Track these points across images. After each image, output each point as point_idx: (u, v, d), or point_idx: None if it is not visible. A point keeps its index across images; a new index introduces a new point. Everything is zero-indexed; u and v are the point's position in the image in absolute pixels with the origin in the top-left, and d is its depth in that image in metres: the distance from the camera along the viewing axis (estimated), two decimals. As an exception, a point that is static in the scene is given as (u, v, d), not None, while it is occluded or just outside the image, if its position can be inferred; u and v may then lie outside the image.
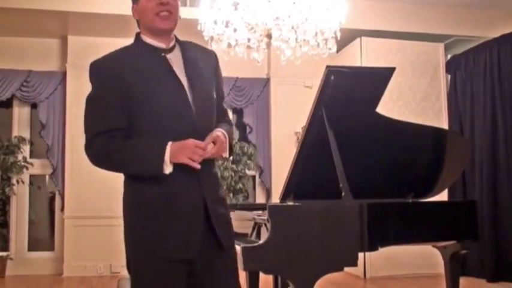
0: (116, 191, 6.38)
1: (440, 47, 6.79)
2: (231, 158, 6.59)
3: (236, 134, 7.03)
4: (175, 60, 2.25)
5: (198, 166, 2.11)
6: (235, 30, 4.35)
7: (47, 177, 6.87)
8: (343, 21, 4.46)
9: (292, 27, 4.30)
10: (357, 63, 6.47)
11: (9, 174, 6.43)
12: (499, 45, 6.25)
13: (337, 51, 4.78)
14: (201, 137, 2.15)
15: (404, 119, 3.45)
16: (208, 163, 2.20)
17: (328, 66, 2.86)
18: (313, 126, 3.00)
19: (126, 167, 2.25)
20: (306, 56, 4.54)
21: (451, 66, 6.96)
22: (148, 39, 2.26)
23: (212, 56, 2.40)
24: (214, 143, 2.16)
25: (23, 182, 6.50)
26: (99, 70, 2.24)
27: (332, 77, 2.86)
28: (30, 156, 6.75)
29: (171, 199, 2.16)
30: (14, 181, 6.45)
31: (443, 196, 4.82)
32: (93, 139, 2.19)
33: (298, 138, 6.64)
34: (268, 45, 4.50)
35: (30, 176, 6.74)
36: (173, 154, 2.11)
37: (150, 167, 2.14)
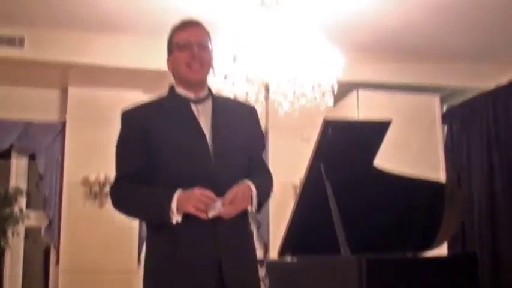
0: (112, 245, 6.34)
1: (436, 98, 6.84)
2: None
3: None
4: (204, 110, 2.29)
5: (205, 216, 2.08)
6: (233, 83, 4.39)
7: (43, 229, 6.80)
8: (339, 75, 4.52)
9: (290, 81, 4.34)
10: (354, 115, 6.50)
11: (4, 226, 6.37)
12: (495, 97, 6.30)
13: (334, 103, 4.81)
14: (221, 188, 2.14)
15: (401, 171, 3.45)
16: (233, 218, 2.16)
17: (325, 119, 2.89)
18: (311, 179, 3.00)
19: (136, 213, 2.32)
20: (304, 108, 4.57)
21: (447, 117, 7.00)
22: (179, 90, 2.34)
23: (249, 111, 2.45)
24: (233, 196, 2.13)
25: (18, 235, 6.43)
26: (126, 117, 2.36)
27: (329, 130, 2.88)
28: (27, 208, 6.70)
29: (180, 258, 2.13)
30: (9, 233, 6.38)
31: (443, 249, 4.78)
32: (114, 183, 2.31)
33: (296, 191, 6.61)
34: (266, 98, 4.54)
35: (26, 228, 6.67)
36: (180, 202, 2.09)
37: (157, 215, 2.15)
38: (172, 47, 2.36)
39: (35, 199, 6.74)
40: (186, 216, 2.11)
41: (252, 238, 2.35)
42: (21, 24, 5.63)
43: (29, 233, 6.78)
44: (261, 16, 4.55)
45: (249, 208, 2.24)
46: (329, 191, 2.93)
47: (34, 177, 6.67)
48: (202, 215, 2.09)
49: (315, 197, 3.00)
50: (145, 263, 2.31)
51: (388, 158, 6.11)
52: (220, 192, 2.12)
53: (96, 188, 6.41)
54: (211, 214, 2.09)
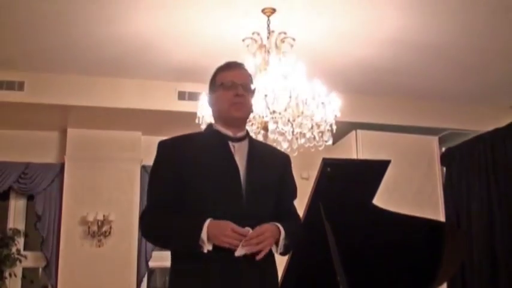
0: (110, 284, 6.29)
1: (434, 140, 6.88)
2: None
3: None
4: (240, 149, 2.34)
5: (234, 248, 2.10)
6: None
7: (40, 270, 6.75)
8: (338, 115, 4.55)
9: (289, 120, 4.37)
10: (353, 155, 6.53)
11: (2, 268, 6.32)
12: (493, 139, 6.34)
13: (333, 143, 4.83)
14: (250, 219, 2.17)
15: (400, 211, 3.45)
16: (259, 260, 2.16)
17: (324, 159, 2.90)
18: (310, 218, 2.99)
19: (167, 243, 2.31)
20: (303, 148, 4.59)
21: (446, 158, 7.03)
22: (218, 127, 2.38)
23: (283, 157, 2.52)
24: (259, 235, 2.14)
25: (15, 275, 6.37)
26: (162, 147, 2.36)
27: (328, 169, 2.89)
28: (24, 249, 6.66)
29: None
30: (6, 274, 6.33)
31: (443, 290, 4.74)
32: (145, 212, 2.32)
33: (295, 230, 6.58)
34: (265, 137, 4.56)
35: (23, 269, 6.62)
36: (211, 233, 2.11)
37: (188, 245, 2.16)
38: (216, 85, 2.41)
39: (32, 240, 6.71)
40: (214, 248, 2.13)
41: (277, 279, 2.35)
42: (21, 68, 5.71)
43: (27, 274, 6.72)
44: (261, 58, 4.61)
45: (274, 250, 2.25)
46: (328, 231, 2.92)
47: (32, 218, 6.65)
48: (233, 248, 2.11)
49: (314, 237, 2.99)
50: None
51: (387, 198, 6.16)
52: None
53: (95, 228, 6.40)
54: (239, 253, 2.11)
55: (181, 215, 2.21)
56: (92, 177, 6.62)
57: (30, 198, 6.73)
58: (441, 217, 6.55)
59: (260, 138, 4.54)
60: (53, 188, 6.63)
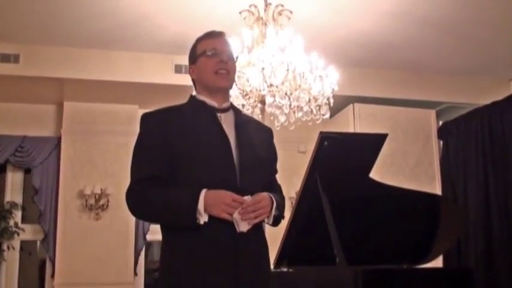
0: (108, 257, 6.34)
1: (432, 113, 6.88)
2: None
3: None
4: (227, 120, 2.28)
5: (231, 219, 2.07)
6: (229, 96, 4.40)
7: (38, 243, 6.78)
8: (335, 88, 4.54)
9: (286, 94, 4.36)
10: (350, 128, 6.53)
11: (0, 240, 6.35)
12: (490, 112, 6.33)
13: (331, 116, 4.83)
14: (243, 195, 2.12)
15: (397, 185, 3.45)
16: (253, 229, 2.14)
17: (321, 132, 2.89)
18: (307, 191, 3.00)
19: (159, 217, 2.22)
20: (300, 121, 4.58)
21: (443, 132, 7.03)
22: (202, 97, 2.32)
23: (267, 131, 2.46)
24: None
25: (13, 248, 6.40)
26: (147, 120, 2.30)
27: (325, 143, 2.88)
28: (22, 222, 6.68)
29: (199, 266, 2.08)
30: (4, 247, 6.36)
31: (438, 262, 4.78)
32: (132, 186, 2.21)
33: (292, 203, 6.61)
34: (262, 111, 4.55)
35: (21, 241, 6.65)
36: (208, 203, 2.07)
37: (183, 217, 2.09)
38: (197, 55, 2.36)
39: (30, 213, 6.73)
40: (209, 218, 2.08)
41: (268, 251, 2.33)
42: (16, 41, 5.66)
43: (25, 247, 6.76)
44: (258, 31, 4.58)
45: (266, 220, 2.22)
46: (325, 203, 2.93)
47: (29, 191, 6.66)
48: (230, 219, 2.08)
49: (311, 210, 3.00)
50: (163, 268, 2.22)
51: (385, 171, 6.19)
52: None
53: (92, 201, 6.42)
54: (243, 228, 2.09)
55: (172, 188, 2.14)
56: (89, 150, 6.62)
57: (28, 171, 6.74)
58: (438, 191, 6.58)
59: (257, 111, 4.53)
60: (50, 161, 6.63)
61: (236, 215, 2.07)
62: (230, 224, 2.09)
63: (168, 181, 2.17)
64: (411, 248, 3.44)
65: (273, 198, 2.22)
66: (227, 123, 2.27)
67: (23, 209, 6.75)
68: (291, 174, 6.89)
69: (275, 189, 2.38)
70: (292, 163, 6.85)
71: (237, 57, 2.37)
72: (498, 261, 5.98)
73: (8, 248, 6.37)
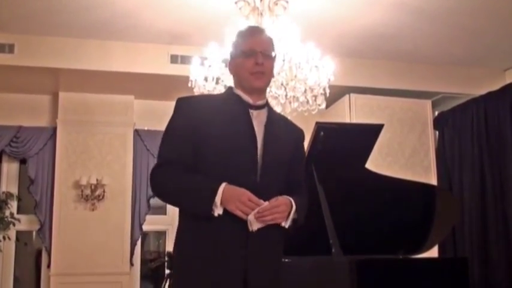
0: (104, 248, 6.35)
1: (427, 103, 6.88)
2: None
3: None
4: (259, 118, 2.30)
5: (245, 217, 2.09)
6: (225, 86, 4.40)
7: (34, 233, 6.78)
8: (332, 78, 4.53)
9: (282, 84, 4.35)
10: (346, 119, 6.53)
11: (-5, 231, 6.35)
12: (486, 102, 6.34)
13: (327, 107, 4.83)
14: (261, 193, 2.13)
15: (393, 175, 3.46)
16: (267, 228, 2.15)
17: (317, 123, 2.89)
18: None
19: (178, 201, 2.26)
20: (296, 112, 4.58)
21: (439, 122, 7.04)
22: (238, 92, 2.33)
23: (299, 132, 2.47)
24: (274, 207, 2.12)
25: (9, 238, 6.40)
26: (181, 105, 2.30)
27: (322, 133, 2.89)
28: (18, 212, 6.68)
29: (209, 257, 2.12)
30: (0, 237, 6.36)
31: (433, 252, 4.80)
32: (158, 166, 2.25)
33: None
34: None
35: (17, 232, 6.65)
36: (225, 197, 2.09)
37: (200, 206, 2.13)
38: (237, 52, 2.35)
39: (26, 203, 6.73)
40: (224, 212, 2.10)
41: (282, 250, 2.34)
42: (12, 31, 5.62)
43: (21, 237, 6.76)
44: (254, 21, 4.56)
45: (283, 223, 2.22)
46: (321, 194, 2.94)
47: (25, 181, 6.65)
48: (244, 217, 2.09)
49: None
50: (177, 252, 2.27)
51: (380, 162, 6.21)
52: (259, 196, 2.11)
53: (88, 191, 6.42)
54: (255, 227, 2.10)
55: (196, 175, 2.17)
56: (85, 141, 6.61)
57: (23, 161, 6.72)
58: (433, 181, 6.60)
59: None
60: (45, 151, 6.62)
61: (251, 217, 2.09)
62: (244, 221, 2.11)
63: (192, 167, 2.19)
64: (407, 238, 3.46)
65: (293, 202, 2.22)
66: (258, 120, 2.29)
67: (19, 199, 6.74)
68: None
69: (299, 192, 2.37)
70: (288, 153, 6.88)
71: (275, 56, 2.37)
72: (493, 251, 6.01)
73: (4, 238, 6.37)
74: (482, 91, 6.44)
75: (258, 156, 2.21)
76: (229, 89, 2.41)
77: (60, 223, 6.38)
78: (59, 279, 6.30)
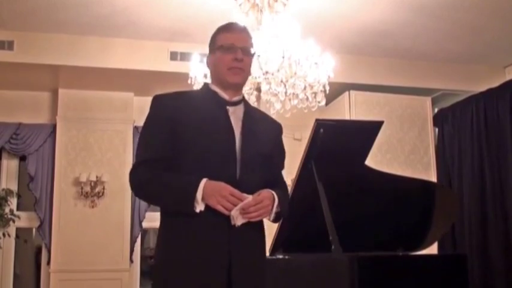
0: (104, 244, 6.35)
1: (427, 100, 6.88)
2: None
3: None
4: (236, 114, 2.29)
5: (228, 213, 2.09)
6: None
7: (34, 230, 6.78)
8: (331, 75, 4.53)
9: (282, 81, 4.35)
10: (346, 116, 6.53)
11: (-5, 228, 6.35)
12: (485, 99, 6.34)
13: (326, 104, 4.82)
14: (241, 188, 2.13)
15: (393, 172, 3.46)
16: (248, 221, 2.15)
17: (317, 120, 2.89)
18: (303, 179, 3.00)
19: (159, 199, 2.25)
20: (295, 109, 4.58)
21: (439, 119, 7.04)
22: (215, 88, 2.32)
23: (276, 126, 2.46)
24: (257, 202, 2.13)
25: (9, 235, 6.40)
26: (157, 103, 2.29)
27: (321, 130, 2.88)
28: (17, 209, 6.68)
29: (192, 254, 2.11)
30: (0, 234, 6.36)
31: (433, 249, 4.80)
32: (136, 167, 2.24)
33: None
34: (258, 98, 4.54)
35: (17, 229, 6.65)
36: (206, 193, 2.08)
37: (181, 203, 2.12)
38: (215, 47, 2.33)
39: (26, 200, 6.73)
40: (206, 208, 2.10)
41: (265, 245, 2.34)
42: (11, 28, 5.61)
43: (20, 234, 6.76)
44: (254, 18, 4.56)
45: (267, 217, 2.23)
46: (321, 191, 2.94)
47: (25, 178, 6.65)
48: (226, 213, 2.09)
49: (307, 197, 3.01)
50: (159, 251, 2.25)
51: (380, 159, 6.21)
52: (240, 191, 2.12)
53: (87, 188, 6.42)
54: (239, 222, 2.10)
55: (175, 173, 2.17)
56: (85, 138, 6.61)
57: (23, 158, 6.72)
58: (433, 178, 6.60)
59: (253, 98, 4.52)
60: (45, 148, 6.62)
61: (234, 212, 2.08)
62: (226, 216, 2.10)
63: (171, 165, 2.19)
64: (406, 235, 3.46)
65: (275, 196, 2.22)
66: (235, 116, 2.28)
67: (19, 196, 6.74)
68: (287, 162, 6.92)
69: (279, 185, 2.37)
70: (287, 150, 6.81)
71: (253, 54, 2.36)
72: (492, 247, 6.02)
73: (4, 235, 6.37)
74: (482, 88, 6.44)
75: (237, 151, 2.20)
76: (206, 85, 2.39)
77: (60, 220, 6.39)
78: (58, 276, 6.30)
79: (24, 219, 6.64)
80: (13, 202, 6.60)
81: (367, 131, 3.12)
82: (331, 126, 2.93)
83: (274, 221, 2.30)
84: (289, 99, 4.49)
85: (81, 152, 6.57)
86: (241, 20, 4.40)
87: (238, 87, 2.34)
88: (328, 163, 3.00)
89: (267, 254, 3.13)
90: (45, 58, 5.83)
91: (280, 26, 4.40)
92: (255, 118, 2.35)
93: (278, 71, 4.30)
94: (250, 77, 4.33)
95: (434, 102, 7.05)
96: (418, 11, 5.31)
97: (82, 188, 6.43)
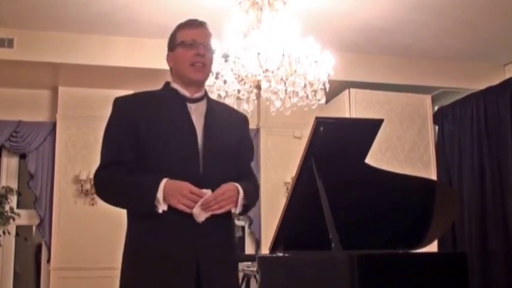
0: (104, 242, 6.35)
1: (427, 98, 6.88)
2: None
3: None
4: (198, 110, 2.28)
5: (190, 211, 2.08)
6: (225, 81, 4.40)
7: (34, 228, 6.79)
8: (331, 73, 4.53)
9: (282, 79, 4.35)
10: (346, 114, 6.53)
11: (-5, 225, 6.35)
12: (485, 97, 6.34)
13: (326, 102, 4.83)
14: (206, 184, 2.13)
15: (393, 170, 3.46)
16: (215, 217, 2.15)
17: (317, 118, 2.88)
18: (303, 177, 3.00)
19: (122, 202, 2.24)
20: (296, 107, 4.58)
21: (439, 117, 7.04)
22: (175, 86, 2.31)
23: (241, 118, 2.46)
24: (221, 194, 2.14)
25: (9, 233, 6.41)
26: (118, 105, 2.32)
27: (321, 128, 2.87)
28: (17, 207, 6.68)
29: (159, 252, 2.11)
30: (0, 232, 6.37)
31: (433, 248, 4.80)
32: (99, 169, 2.24)
33: (287, 188, 6.63)
34: (258, 96, 4.55)
35: (17, 226, 6.65)
36: (167, 193, 2.08)
37: (142, 204, 2.12)
38: (175, 43, 2.33)
39: (26, 198, 6.73)
40: (169, 207, 2.10)
41: (234, 238, 2.34)
42: (11, 25, 5.61)
43: (20, 232, 6.76)
44: (254, 16, 4.56)
45: (233, 210, 2.24)
46: (321, 189, 2.93)
47: (25, 176, 6.66)
48: (188, 211, 2.09)
49: (307, 195, 3.00)
50: (126, 253, 2.25)
51: (380, 157, 6.20)
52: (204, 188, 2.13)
53: (88, 186, 6.42)
54: (201, 218, 2.10)
55: (136, 174, 2.16)
56: (85, 136, 6.61)
57: (23, 156, 6.72)
58: (433, 176, 6.60)
59: (253, 96, 4.52)
60: (45, 146, 6.63)
61: (195, 209, 2.08)
62: (190, 214, 2.10)
63: (135, 166, 2.18)
64: (406, 233, 3.46)
65: (239, 188, 2.21)
66: (197, 112, 2.28)
67: (19, 194, 6.75)
68: (287, 160, 6.95)
69: (247, 178, 2.37)
70: (287, 149, 6.88)
71: (214, 50, 2.36)
72: (492, 245, 6.02)
73: (4, 233, 6.37)
74: (482, 86, 6.44)
75: (199, 148, 2.19)
76: (167, 84, 2.38)
77: (60, 218, 6.39)
78: (58, 274, 6.31)
79: (24, 217, 6.64)
80: (13, 200, 6.61)
81: (367, 129, 3.12)
82: (331, 124, 2.92)
83: (242, 213, 2.29)
84: (289, 97, 4.50)
85: (81, 150, 6.57)
86: (241, 18, 4.41)
87: (200, 83, 2.33)
88: (329, 161, 2.99)
89: (268, 251, 3.14)
90: (45, 56, 5.83)
91: (280, 24, 4.40)
92: (219, 113, 2.34)
93: (278, 69, 4.30)
94: (250, 75, 4.34)
95: (434, 100, 7.04)
96: (418, 8, 5.31)
97: (82, 186, 6.43)
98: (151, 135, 2.18)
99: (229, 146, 2.29)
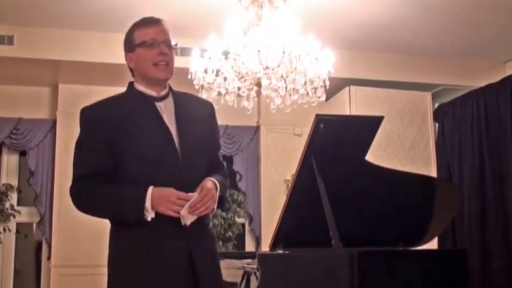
0: (105, 239, 6.32)
1: (427, 95, 6.88)
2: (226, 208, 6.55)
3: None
4: (167, 108, 2.25)
5: (177, 215, 2.09)
6: (225, 79, 4.39)
7: (34, 225, 6.79)
8: (331, 71, 4.53)
9: (282, 76, 4.35)
10: (346, 111, 6.53)
11: (-5, 223, 6.36)
12: (486, 94, 6.33)
13: (327, 99, 4.82)
14: (187, 187, 2.13)
15: (393, 167, 3.46)
16: (199, 220, 2.18)
17: (317, 115, 2.88)
18: (303, 174, 3.00)
19: (107, 213, 2.24)
20: (296, 104, 4.58)
21: (439, 114, 7.03)
22: (140, 87, 2.27)
23: (208, 107, 2.42)
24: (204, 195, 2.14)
25: (9, 230, 6.41)
26: (87, 116, 2.27)
27: (321, 126, 2.88)
28: (18, 204, 6.68)
29: (152, 250, 2.13)
30: (0, 229, 6.37)
31: (433, 245, 4.81)
32: (75, 183, 2.20)
33: (288, 185, 6.63)
34: (258, 93, 4.54)
35: (17, 224, 6.66)
36: (155, 201, 2.08)
37: (131, 214, 2.11)
38: (134, 44, 2.29)
39: (26, 195, 6.73)
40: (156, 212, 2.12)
41: (212, 229, 2.43)
42: (11, 22, 5.60)
43: (21, 229, 6.77)
44: (254, 13, 4.55)
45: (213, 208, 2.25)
46: (321, 187, 2.94)
47: (25, 173, 6.66)
48: (176, 216, 2.10)
49: (307, 192, 3.01)
50: (113, 258, 2.29)
51: (380, 154, 6.21)
52: (186, 189, 2.13)
53: (88, 184, 6.40)
54: (189, 221, 2.13)
55: (120, 184, 2.15)
56: (85, 133, 6.60)
57: (23, 153, 6.73)
58: (433, 173, 6.60)
59: (253, 94, 4.52)
60: (45, 143, 6.63)
61: (183, 212, 2.10)
62: (176, 218, 2.12)
63: (112, 177, 2.16)
64: (407, 230, 3.46)
65: (216, 183, 2.23)
66: (167, 111, 2.25)
67: (19, 191, 6.75)
68: (287, 157, 6.95)
69: (217, 166, 2.38)
70: (288, 146, 6.89)
71: (175, 45, 2.33)
72: (492, 242, 6.02)
73: (4, 230, 6.38)
74: (483, 83, 6.43)
75: (177, 150, 2.18)
76: (130, 85, 2.34)
77: (61, 215, 6.38)
78: (59, 271, 6.31)
79: (25, 214, 6.65)
80: (13, 197, 6.61)
81: (368, 126, 3.12)
82: (332, 122, 2.92)
83: (218, 206, 2.29)
84: (290, 95, 4.49)
85: (81, 147, 6.57)
86: (241, 15, 4.41)
87: (165, 82, 2.31)
88: (329, 158, 3.00)
89: (268, 248, 3.15)
90: (46, 53, 5.82)
91: (281, 21, 4.40)
92: (187, 106, 2.32)
93: (278, 66, 4.30)
94: (250, 72, 4.34)
95: (434, 97, 7.04)
96: (418, 5, 5.30)
97: (82, 183, 6.42)
98: (127, 143, 2.15)
99: (204, 138, 2.29)
